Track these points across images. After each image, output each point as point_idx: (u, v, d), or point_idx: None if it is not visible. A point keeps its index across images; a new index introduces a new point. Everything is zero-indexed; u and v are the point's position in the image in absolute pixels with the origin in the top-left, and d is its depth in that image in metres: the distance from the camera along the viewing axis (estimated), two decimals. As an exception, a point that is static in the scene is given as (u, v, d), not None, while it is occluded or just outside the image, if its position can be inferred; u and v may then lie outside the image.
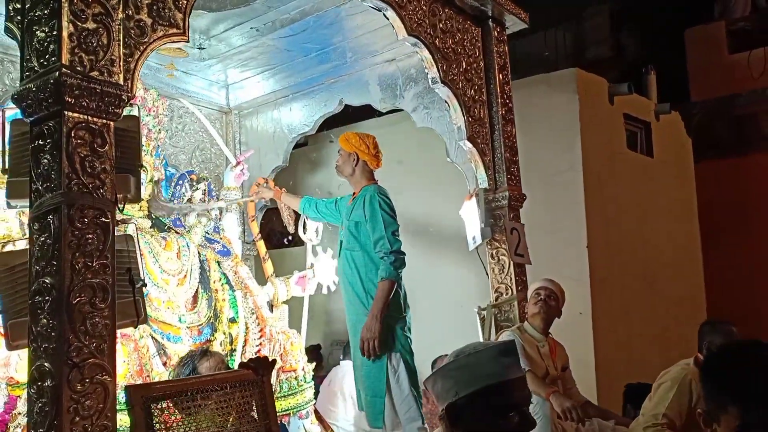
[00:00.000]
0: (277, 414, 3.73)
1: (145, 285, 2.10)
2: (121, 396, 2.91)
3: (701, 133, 8.24)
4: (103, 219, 1.90)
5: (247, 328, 4.03)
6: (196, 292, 3.98)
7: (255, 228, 4.94)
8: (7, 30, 2.08)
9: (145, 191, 4.05)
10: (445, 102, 4.07)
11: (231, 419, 1.92)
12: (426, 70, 3.91)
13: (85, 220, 1.86)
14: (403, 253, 3.32)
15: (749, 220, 8.20)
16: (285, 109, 5.53)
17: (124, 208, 2.07)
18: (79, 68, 1.88)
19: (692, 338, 7.05)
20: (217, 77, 5.20)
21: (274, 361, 2.18)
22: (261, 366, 2.06)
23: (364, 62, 4.66)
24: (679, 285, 6.87)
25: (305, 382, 4.13)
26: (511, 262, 4.24)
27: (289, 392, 3.93)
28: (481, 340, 4.00)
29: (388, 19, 3.60)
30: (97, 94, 1.91)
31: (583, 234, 5.75)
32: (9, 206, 2.10)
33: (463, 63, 4.16)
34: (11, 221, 3.26)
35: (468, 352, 1.51)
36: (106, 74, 1.95)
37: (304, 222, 4.64)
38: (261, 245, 4.87)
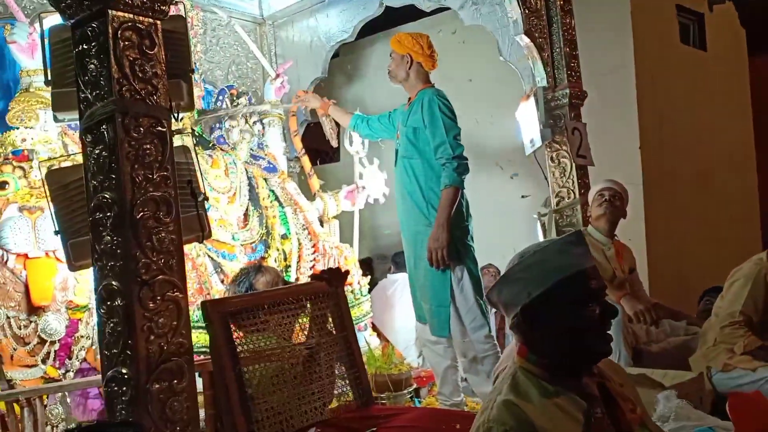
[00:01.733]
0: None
1: (207, 198, 1.97)
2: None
3: (756, 25, 7.73)
4: (159, 128, 1.76)
5: (300, 244, 3.96)
6: (247, 209, 3.90)
7: (298, 143, 4.80)
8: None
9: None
10: (496, -8, 3.79)
11: (307, 332, 1.83)
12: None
13: (141, 129, 1.72)
14: (466, 159, 3.14)
15: None
16: (321, 16, 5.25)
17: (179, 116, 1.93)
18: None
19: (746, 237, 6.84)
20: (248, -14, 4.94)
21: (347, 272, 2.08)
22: (334, 277, 1.95)
23: (406, -42, 4.36)
24: (733, 184, 6.62)
25: (362, 295, 4.09)
26: (573, 165, 4.03)
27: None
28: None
29: None
30: (136, -10, 1.72)
31: (636, 134, 5.53)
32: (56, 120, 1.97)
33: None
34: (54, 142, 3.16)
35: (533, 250, 1.37)
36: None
37: (350, 135, 4.47)
38: (305, 160, 4.74)
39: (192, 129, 3.93)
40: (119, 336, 1.68)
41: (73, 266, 1.85)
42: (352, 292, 3.93)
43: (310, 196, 4.46)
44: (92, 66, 1.72)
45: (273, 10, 5.32)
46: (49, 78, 1.95)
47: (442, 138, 3.11)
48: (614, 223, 3.71)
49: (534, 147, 4.03)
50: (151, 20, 1.77)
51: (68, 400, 2.98)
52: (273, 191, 4.14)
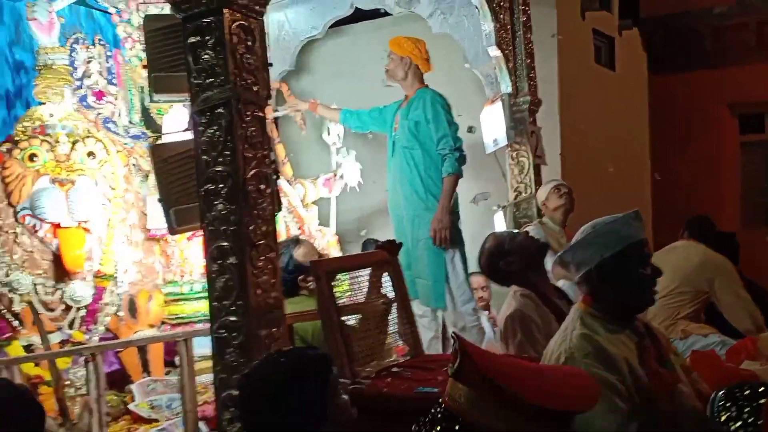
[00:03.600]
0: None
1: (278, 177, 2.26)
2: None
3: (655, 49, 8.73)
4: (260, 113, 2.05)
5: (287, 226, 4.23)
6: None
7: (274, 131, 5.05)
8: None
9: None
10: (475, 8, 4.21)
11: (375, 291, 2.18)
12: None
13: (248, 114, 2.00)
14: (464, 151, 3.56)
15: (692, 131, 8.89)
16: (290, 12, 5.49)
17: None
18: (236, -34, 1.97)
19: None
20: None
21: (401, 243, 2.42)
22: (393, 248, 2.31)
23: (378, -34, 4.70)
24: (632, 187, 7.43)
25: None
26: (530, 164, 4.54)
27: (329, 284, 4.18)
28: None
29: None
30: (246, -9, 2.01)
31: (558, 142, 6.15)
32: (152, 100, 2.20)
33: (498, -38, 4.26)
34: (77, 119, 3.29)
35: (606, 221, 1.79)
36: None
37: (328, 127, 4.79)
38: (280, 148, 5.00)
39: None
40: (231, 290, 1.96)
41: (175, 230, 2.10)
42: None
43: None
44: (206, 56, 1.98)
45: (239, 1, 5.53)
46: (146, 63, 2.17)
47: (445, 131, 3.51)
48: (568, 214, 4.25)
49: (497, 146, 4.49)
50: (254, 18, 2.06)
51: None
52: (258, 175, 4.37)
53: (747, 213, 9.11)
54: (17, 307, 3.05)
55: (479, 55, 4.54)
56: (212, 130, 1.99)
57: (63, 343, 3.16)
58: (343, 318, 1.97)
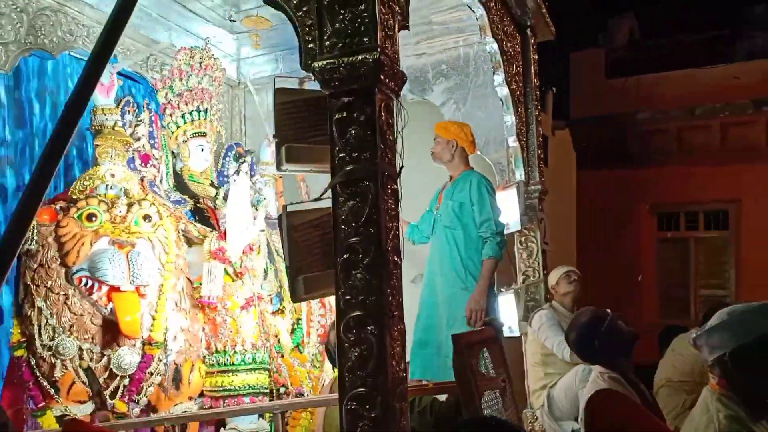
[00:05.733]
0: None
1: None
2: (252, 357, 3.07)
3: (582, 148, 9.49)
4: (394, 186, 2.13)
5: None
6: (265, 263, 4.10)
7: (282, 203, 5.08)
8: (270, 2, 2.23)
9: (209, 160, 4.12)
10: (500, 101, 4.48)
11: (498, 367, 2.24)
12: (493, 69, 4.28)
13: (389, 187, 2.08)
14: (505, 236, 3.71)
15: (615, 226, 9.56)
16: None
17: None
18: (387, 51, 2.09)
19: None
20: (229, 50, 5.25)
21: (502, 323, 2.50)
22: (497, 325, 2.38)
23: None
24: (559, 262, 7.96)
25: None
26: (539, 249, 4.74)
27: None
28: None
29: (477, 18, 3.94)
30: (394, 74, 2.12)
31: None
32: (279, 169, 2.22)
33: (515, 66, 4.58)
34: (132, 181, 3.25)
35: (741, 310, 1.93)
36: (393, 55, 2.17)
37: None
38: (279, 183, 5.03)
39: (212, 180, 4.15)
40: (367, 359, 1.96)
41: (299, 298, 2.10)
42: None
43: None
44: (353, 132, 2.06)
45: (251, 77, 5.64)
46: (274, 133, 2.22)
47: (488, 215, 3.66)
48: (576, 300, 4.44)
49: (509, 231, 4.69)
50: (393, 98, 2.17)
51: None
52: (276, 247, 4.36)
53: (667, 306, 9.69)
54: (58, 374, 2.88)
55: (490, 144, 4.79)
56: (354, 202, 2.04)
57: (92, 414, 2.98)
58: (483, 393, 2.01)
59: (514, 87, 4.58)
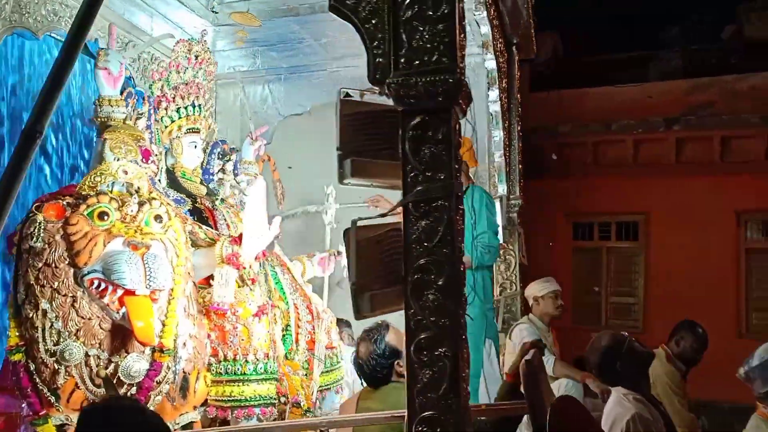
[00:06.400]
0: (320, 388, 3.96)
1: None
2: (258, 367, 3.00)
3: None
4: (461, 206, 2.13)
5: (295, 305, 4.11)
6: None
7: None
8: (335, 9, 2.18)
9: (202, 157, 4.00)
10: (490, 115, 4.56)
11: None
12: (488, 85, 4.36)
13: (459, 207, 2.08)
14: (498, 250, 3.77)
15: (533, 233, 10.05)
16: (275, 87, 5.57)
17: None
18: (463, 70, 2.09)
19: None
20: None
21: (542, 349, 2.52)
22: (537, 360, 2.41)
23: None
24: None
25: (342, 358, 4.34)
26: (516, 262, 4.86)
27: (331, 368, 4.15)
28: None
29: (482, 34, 4.00)
30: (467, 93, 2.12)
31: None
32: (341, 183, 2.16)
33: (504, 82, 4.68)
34: (143, 179, 3.10)
35: None
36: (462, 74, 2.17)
37: (326, 209, 4.80)
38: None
39: (201, 179, 4.00)
40: (440, 381, 1.95)
41: (363, 315, 2.05)
42: (335, 354, 4.16)
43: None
44: (427, 150, 2.05)
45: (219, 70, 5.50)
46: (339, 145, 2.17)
47: (484, 228, 3.74)
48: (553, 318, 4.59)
49: None
50: (461, 116, 2.17)
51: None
52: (262, 250, 4.24)
53: (578, 311, 10.18)
54: (61, 381, 2.70)
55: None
56: (427, 222, 2.02)
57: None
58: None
59: (502, 101, 4.68)
